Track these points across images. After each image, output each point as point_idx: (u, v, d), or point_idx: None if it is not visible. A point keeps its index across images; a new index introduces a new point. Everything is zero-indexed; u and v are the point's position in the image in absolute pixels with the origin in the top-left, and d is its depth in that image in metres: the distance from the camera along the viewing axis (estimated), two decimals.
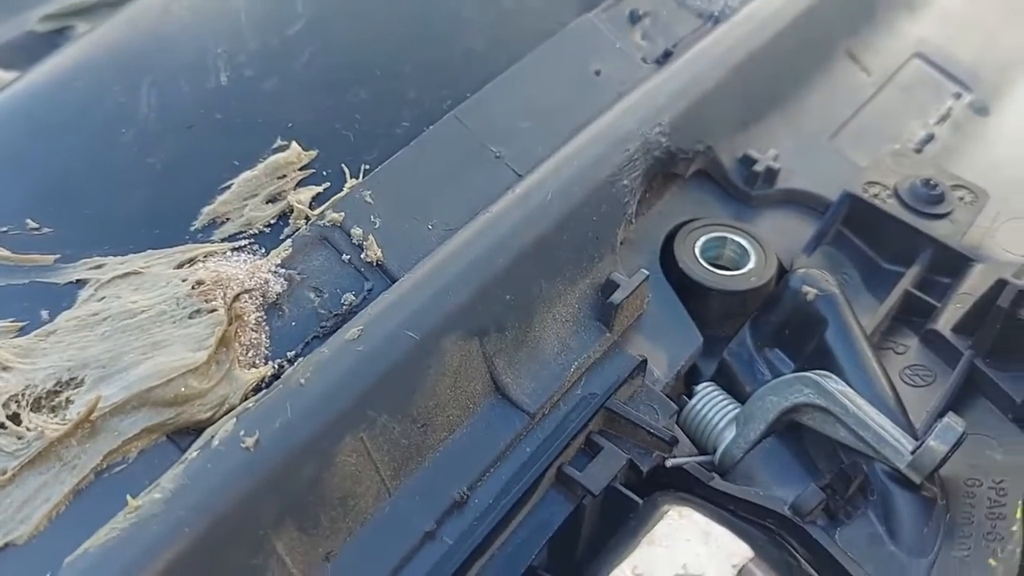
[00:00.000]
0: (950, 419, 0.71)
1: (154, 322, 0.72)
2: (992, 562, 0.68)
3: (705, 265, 0.90)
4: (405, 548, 0.70)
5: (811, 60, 1.07)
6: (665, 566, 0.64)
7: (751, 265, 0.90)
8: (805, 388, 0.77)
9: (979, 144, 1.08)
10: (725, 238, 0.92)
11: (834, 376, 0.78)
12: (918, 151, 1.04)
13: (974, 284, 0.86)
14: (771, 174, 0.97)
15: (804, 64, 1.06)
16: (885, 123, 1.07)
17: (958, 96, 1.12)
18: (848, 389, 0.76)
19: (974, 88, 1.14)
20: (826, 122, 1.05)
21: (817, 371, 0.78)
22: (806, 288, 0.85)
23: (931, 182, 0.94)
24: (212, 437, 0.66)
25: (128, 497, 0.64)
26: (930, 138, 1.07)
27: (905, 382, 0.84)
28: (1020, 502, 0.71)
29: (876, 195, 0.93)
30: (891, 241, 0.93)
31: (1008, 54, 1.19)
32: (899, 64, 1.13)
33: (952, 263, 0.90)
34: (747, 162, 0.97)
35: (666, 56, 1.00)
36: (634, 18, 1.02)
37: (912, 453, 0.72)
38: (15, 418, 0.68)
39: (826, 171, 0.99)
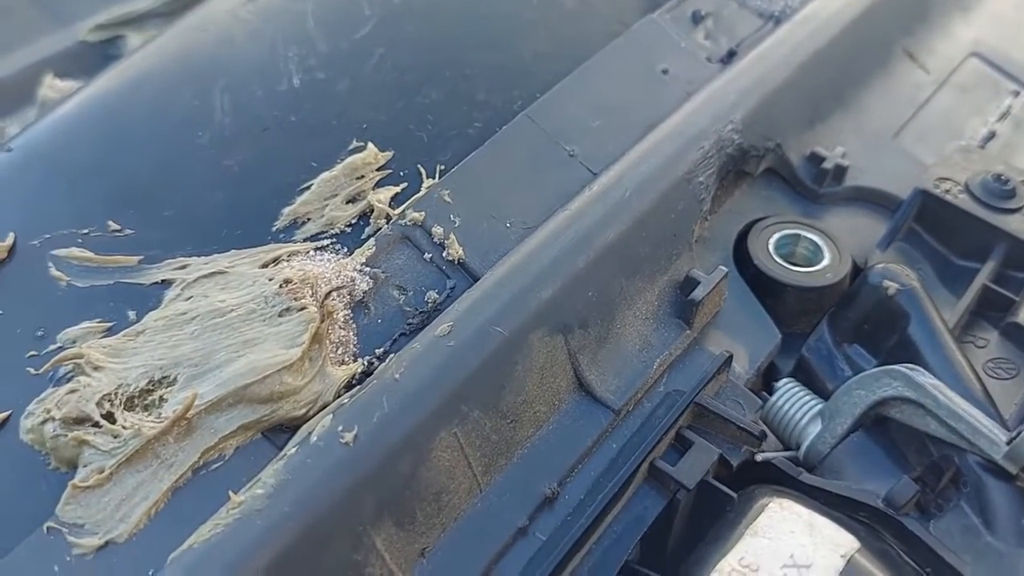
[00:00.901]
0: None
1: (244, 320, 0.72)
2: None
3: (780, 262, 0.89)
4: (498, 544, 0.69)
5: (871, 59, 1.07)
6: (772, 557, 0.64)
7: (826, 262, 0.90)
8: (894, 381, 0.76)
9: None
10: (799, 235, 0.92)
11: (922, 369, 0.77)
12: (982, 148, 1.04)
13: None
14: (840, 172, 0.97)
15: (865, 63, 1.06)
16: (946, 121, 1.07)
17: (1016, 94, 1.12)
18: (938, 382, 0.76)
19: None
20: (889, 120, 1.04)
21: (904, 364, 0.78)
22: (887, 283, 0.84)
23: (1002, 177, 0.93)
24: (310, 433, 0.66)
25: (230, 493, 0.63)
26: (992, 135, 1.07)
27: (989, 375, 0.83)
28: None
29: (947, 191, 0.93)
30: (964, 237, 0.92)
31: None
32: (956, 63, 1.13)
33: None
34: (815, 160, 0.97)
35: (730, 56, 1.00)
36: (697, 18, 1.02)
37: (1008, 444, 0.71)
38: (109, 417, 0.68)
39: (892, 169, 0.99)
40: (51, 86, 1.17)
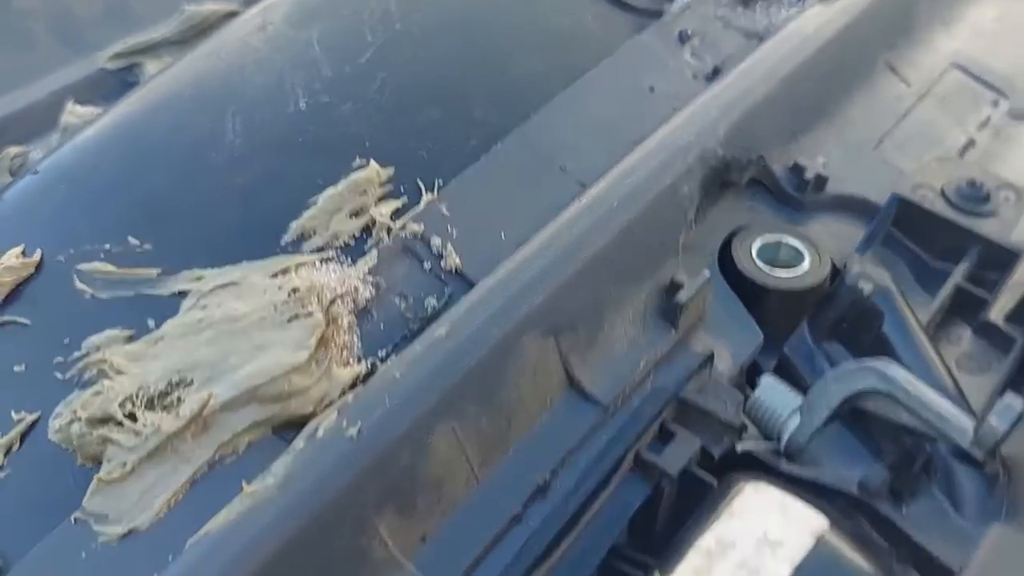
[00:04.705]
0: (1009, 398, 0.75)
1: (255, 327, 0.77)
2: None
3: (763, 267, 0.94)
4: (494, 530, 0.74)
5: (853, 73, 1.12)
6: (746, 535, 0.69)
7: (806, 265, 0.94)
8: (867, 375, 0.81)
9: (1019, 148, 1.13)
10: (780, 241, 0.96)
11: (895, 363, 0.82)
12: (960, 157, 1.08)
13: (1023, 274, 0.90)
14: (821, 181, 1.02)
15: (846, 77, 1.11)
16: (927, 131, 1.11)
17: (995, 103, 1.16)
18: (909, 375, 0.80)
19: (1011, 95, 1.18)
20: (870, 131, 1.09)
21: (878, 358, 0.82)
22: (863, 283, 0.89)
23: (976, 183, 0.98)
24: (317, 428, 0.71)
25: (243, 484, 0.68)
26: (971, 143, 1.11)
27: (961, 370, 0.88)
28: None
29: (924, 196, 0.98)
30: (940, 240, 0.97)
31: None
32: (937, 75, 1.17)
33: (1000, 258, 0.94)
34: (798, 170, 1.02)
35: (715, 72, 1.05)
36: (683, 38, 1.07)
37: (974, 432, 0.76)
38: (131, 416, 0.73)
39: (873, 177, 1.03)
40: (72, 112, 1.23)
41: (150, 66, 1.31)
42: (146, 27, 1.36)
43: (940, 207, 0.97)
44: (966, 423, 0.77)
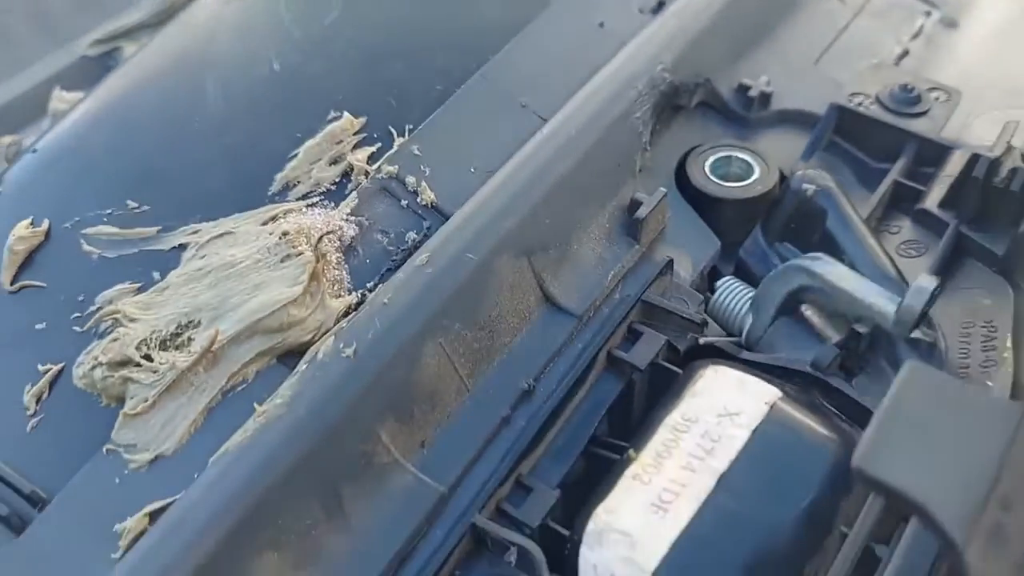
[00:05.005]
0: (921, 280, 0.82)
1: (251, 269, 0.84)
2: (988, 383, 0.80)
3: (716, 180, 1.01)
4: (486, 432, 0.81)
5: None
6: (708, 410, 0.76)
7: (756, 176, 1.02)
8: (798, 273, 0.88)
9: (951, 53, 1.20)
10: (731, 156, 1.03)
11: (824, 257, 0.89)
12: (896, 65, 1.15)
13: (954, 166, 0.97)
14: (765, 98, 1.09)
15: (784, 1, 1.18)
16: (863, 45, 1.18)
17: (928, 14, 1.24)
18: (837, 268, 0.87)
19: (942, 5, 1.25)
20: (809, 49, 1.16)
21: (810, 255, 0.90)
22: (806, 185, 0.96)
23: (908, 86, 1.05)
24: (317, 353, 0.79)
25: (255, 405, 0.76)
26: (905, 53, 1.18)
27: (902, 256, 0.95)
28: (1008, 333, 0.83)
29: (860, 103, 1.05)
30: (877, 142, 1.04)
31: None
32: None
33: (934, 154, 1.02)
34: (743, 90, 1.09)
35: (660, 5, 1.12)
36: None
37: (895, 314, 0.83)
38: (147, 358, 0.80)
39: (813, 91, 1.11)
40: (60, 98, 1.30)
41: (128, 49, 1.38)
42: (117, 14, 1.43)
43: (876, 111, 1.04)
44: (889, 307, 0.83)
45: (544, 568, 0.70)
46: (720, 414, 0.76)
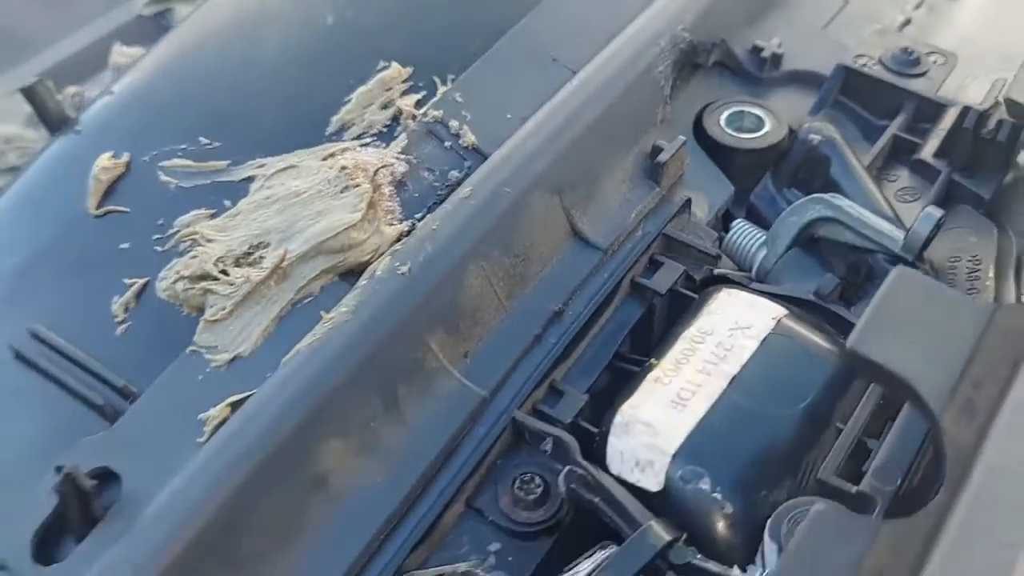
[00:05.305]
0: (930, 209, 0.92)
1: (315, 198, 0.94)
2: None
3: (731, 132, 1.11)
4: (521, 347, 0.91)
5: None
6: (721, 324, 0.87)
7: (767, 129, 1.11)
8: (817, 204, 0.98)
9: (950, 22, 1.30)
10: (744, 111, 1.13)
11: (839, 195, 0.99)
12: (899, 31, 1.25)
13: (947, 120, 1.07)
14: (776, 59, 1.18)
15: None
16: (869, 13, 1.28)
17: None
18: (851, 202, 0.98)
19: None
20: (819, 15, 1.26)
21: (827, 193, 1.00)
22: (812, 136, 1.06)
23: (908, 49, 1.15)
24: (375, 270, 0.89)
25: (322, 313, 0.86)
26: (908, 22, 1.28)
27: (899, 201, 1.05)
28: (991, 265, 0.93)
29: (864, 65, 1.15)
30: (879, 100, 1.14)
31: None
32: None
33: (931, 111, 1.11)
34: (756, 51, 1.19)
35: None
36: None
37: (904, 239, 0.93)
38: (224, 272, 0.90)
39: (822, 53, 1.20)
40: (120, 53, 1.40)
41: (181, 9, 1.48)
42: None
43: (878, 71, 1.14)
44: (898, 234, 0.94)
45: (577, 452, 0.80)
46: (732, 328, 0.86)
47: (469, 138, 1.01)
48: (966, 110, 1.02)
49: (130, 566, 0.74)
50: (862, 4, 1.29)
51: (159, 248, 0.95)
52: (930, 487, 0.64)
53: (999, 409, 0.61)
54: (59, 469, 0.76)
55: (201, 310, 0.90)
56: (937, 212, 0.92)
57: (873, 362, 0.65)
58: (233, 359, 0.86)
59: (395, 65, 1.06)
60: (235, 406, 0.82)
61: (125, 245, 0.96)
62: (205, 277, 0.90)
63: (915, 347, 0.66)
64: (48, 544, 0.78)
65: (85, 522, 0.77)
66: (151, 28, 1.45)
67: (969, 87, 1.16)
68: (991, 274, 0.94)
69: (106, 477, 0.80)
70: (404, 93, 1.05)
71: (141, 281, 0.93)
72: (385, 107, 1.04)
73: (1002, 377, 0.63)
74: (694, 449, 0.79)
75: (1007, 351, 0.64)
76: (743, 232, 1.05)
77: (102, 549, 0.75)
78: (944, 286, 0.81)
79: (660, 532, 0.73)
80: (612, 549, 0.74)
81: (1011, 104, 0.98)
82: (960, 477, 0.58)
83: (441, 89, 1.05)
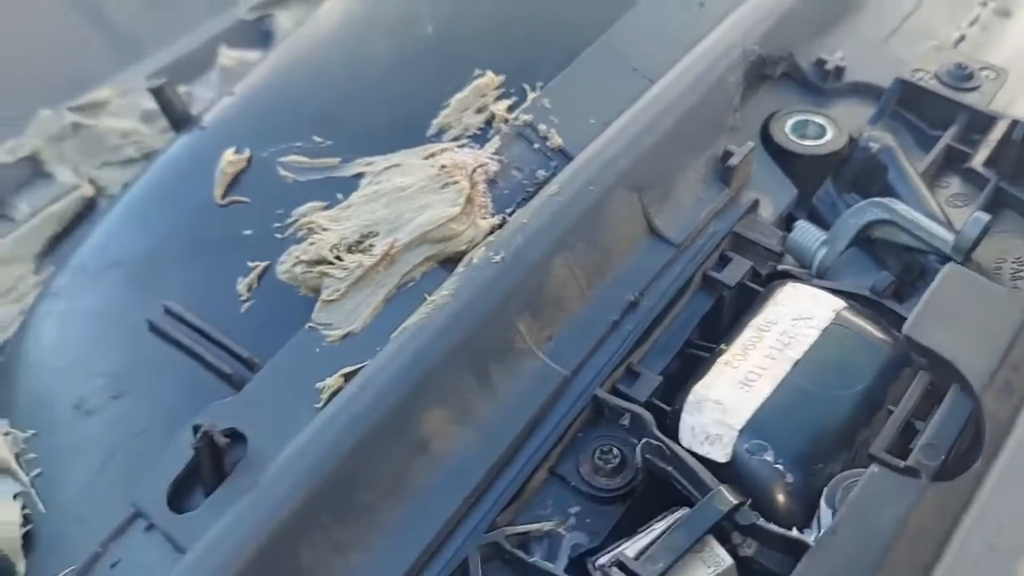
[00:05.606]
0: (978, 214, 1.01)
1: (419, 193, 1.04)
2: None
3: (795, 139, 1.20)
4: (600, 332, 1.00)
5: None
6: (786, 314, 0.96)
7: (829, 137, 1.20)
8: (875, 208, 1.07)
9: (1003, 39, 1.37)
10: (808, 120, 1.22)
11: (895, 200, 1.08)
12: (954, 47, 1.33)
13: (997, 131, 1.15)
14: (839, 71, 1.27)
15: None
16: (926, 29, 1.36)
17: (984, 3, 1.41)
18: (906, 207, 1.06)
19: None
20: (880, 30, 1.34)
21: (885, 198, 1.08)
22: (871, 144, 1.15)
23: (962, 64, 1.23)
24: (472, 258, 0.98)
25: (425, 296, 0.97)
26: (962, 38, 1.36)
27: (950, 206, 1.13)
28: None
29: (920, 78, 1.23)
30: (934, 112, 1.21)
31: None
32: None
33: (982, 123, 1.19)
34: (820, 63, 1.27)
35: None
36: None
37: (954, 241, 1.02)
38: (338, 258, 1.01)
39: (881, 67, 1.27)
40: (226, 55, 1.52)
41: (280, 15, 1.60)
42: None
43: (934, 85, 1.22)
44: (949, 236, 1.03)
45: (653, 425, 0.90)
46: (795, 318, 0.95)
47: (556, 140, 1.11)
48: (1014, 123, 1.11)
49: (256, 517, 0.84)
50: (920, 21, 1.37)
51: (279, 235, 1.06)
52: (971, 458, 0.73)
53: None
54: (196, 429, 0.86)
55: (317, 291, 1.00)
56: (985, 217, 1.00)
57: (925, 347, 0.75)
58: (346, 335, 0.97)
59: (489, 73, 1.17)
60: (348, 377, 0.92)
61: (248, 232, 1.07)
62: (322, 261, 1.01)
63: (961, 334, 0.76)
64: (181, 495, 0.89)
65: (216, 476, 0.88)
66: (253, 32, 1.57)
67: (1019, 101, 1.24)
68: None
69: (234, 437, 0.90)
70: (497, 99, 1.16)
71: (263, 264, 1.04)
72: (480, 111, 1.15)
73: None
74: (759, 425, 0.88)
75: None
76: (805, 232, 1.13)
77: (230, 501, 0.86)
78: (989, 282, 0.90)
79: (728, 496, 0.82)
80: (683, 511, 0.84)
81: None
82: (996, 448, 0.67)
83: (531, 95, 1.15)
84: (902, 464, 0.82)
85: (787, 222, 1.18)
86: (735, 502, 0.82)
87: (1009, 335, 0.74)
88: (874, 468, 0.70)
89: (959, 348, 0.75)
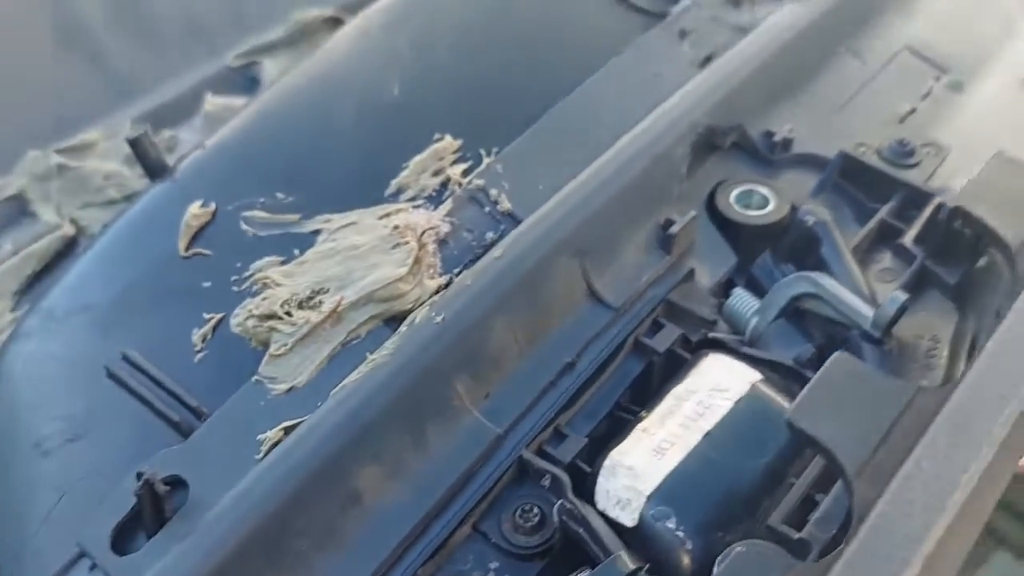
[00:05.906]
0: (896, 293, 1.06)
1: (370, 252, 1.09)
2: (924, 382, 1.04)
3: (739, 209, 1.26)
4: (536, 392, 1.04)
5: (819, 57, 1.41)
6: (704, 385, 1.01)
7: (771, 207, 1.25)
8: (804, 281, 1.12)
9: (953, 113, 1.42)
10: (752, 190, 1.27)
11: (824, 274, 1.13)
12: (902, 122, 1.38)
13: (929, 210, 1.21)
14: (787, 143, 1.32)
15: (812, 61, 1.40)
16: (878, 102, 1.40)
17: (937, 78, 1.46)
18: (832, 281, 1.12)
19: (951, 70, 1.47)
20: (830, 103, 1.39)
21: (814, 272, 1.14)
22: (807, 217, 1.20)
23: (903, 141, 1.28)
24: (415, 318, 1.04)
25: (367, 354, 1.02)
26: (913, 111, 1.41)
27: (880, 281, 1.18)
28: (947, 348, 1.07)
29: (863, 153, 1.28)
30: (874, 187, 1.26)
31: (982, 40, 1.53)
32: (890, 56, 1.47)
33: (919, 199, 1.23)
34: (769, 135, 1.32)
35: (707, 60, 1.36)
36: (683, 34, 1.38)
37: (873, 318, 1.07)
38: (288, 314, 1.06)
39: (829, 139, 1.33)
40: (211, 102, 1.58)
41: (267, 64, 1.67)
42: (259, 31, 1.71)
43: (874, 160, 1.27)
44: (869, 312, 1.08)
45: (569, 488, 0.95)
46: (713, 389, 1.01)
47: (505, 204, 1.17)
48: (940, 205, 1.16)
49: (193, 559, 0.89)
50: (872, 93, 1.42)
51: (235, 288, 1.11)
52: (840, 539, 0.79)
53: (895, 475, 0.76)
54: (139, 475, 0.92)
55: (266, 345, 1.06)
56: (902, 296, 1.05)
57: (805, 432, 0.80)
58: (290, 389, 1.02)
59: (448, 138, 1.23)
60: (288, 430, 0.97)
61: (207, 284, 1.13)
62: (272, 316, 1.06)
63: (841, 421, 0.81)
64: (124, 538, 0.94)
65: (157, 521, 0.93)
66: (238, 79, 1.63)
67: (960, 176, 1.29)
68: (946, 354, 1.08)
69: (177, 484, 0.95)
70: (454, 162, 1.22)
71: (218, 316, 1.10)
72: (436, 174, 1.21)
73: (905, 448, 0.78)
74: (666, 492, 0.93)
75: (914, 428, 0.79)
76: (741, 299, 1.19)
77: (170, 544, 0.90)
78: (875, 371, 0.95)
79: (627, 561, 0.88)
80: (587, 573, 0.90)
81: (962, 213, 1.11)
82: (857, 529, 0.73)
83: (486, 160, 1.21)
84: (796, 536, 0.87)
85: (726, 288, 1.24)
86: (633, 567, 0.87)
87: (886, 424, 0.80)
88: (740, 548, 0.75)
89: (837, 435, 0.80)
